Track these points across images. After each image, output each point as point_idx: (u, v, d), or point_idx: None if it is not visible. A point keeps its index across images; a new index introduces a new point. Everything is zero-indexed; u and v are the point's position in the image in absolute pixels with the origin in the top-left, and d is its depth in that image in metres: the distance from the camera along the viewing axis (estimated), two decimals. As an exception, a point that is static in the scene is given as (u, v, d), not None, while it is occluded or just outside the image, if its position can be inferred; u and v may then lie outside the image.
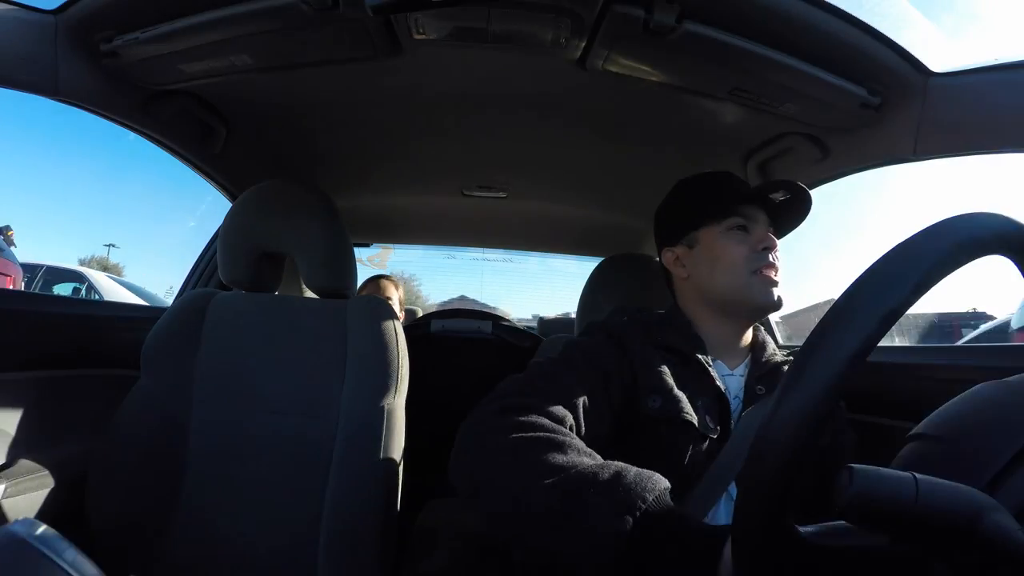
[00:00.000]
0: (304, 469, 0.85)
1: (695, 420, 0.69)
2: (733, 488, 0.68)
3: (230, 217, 1.01)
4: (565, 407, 0.62)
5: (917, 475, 0.30)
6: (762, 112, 0.89)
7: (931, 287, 0.32)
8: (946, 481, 0.30)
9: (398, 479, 0.83)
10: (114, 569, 0.83)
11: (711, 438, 0.70)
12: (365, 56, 0.81)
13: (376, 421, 0.84)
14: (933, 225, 0.34)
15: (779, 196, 0.79)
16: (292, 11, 0.71)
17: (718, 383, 0.73)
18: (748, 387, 0.75)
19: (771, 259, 0.75)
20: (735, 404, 0.74)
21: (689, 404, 0.70)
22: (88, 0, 0.75)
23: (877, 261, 0.33)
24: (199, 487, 0.87)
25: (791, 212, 0.82)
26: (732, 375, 0.78)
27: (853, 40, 0.73)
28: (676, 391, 0.71)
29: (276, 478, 0.85)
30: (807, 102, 0.84)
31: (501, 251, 2.18)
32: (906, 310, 0.31)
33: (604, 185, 1.35)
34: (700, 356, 0.75)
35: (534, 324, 2.68)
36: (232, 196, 1.29)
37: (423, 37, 0.77)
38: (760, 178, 1.13)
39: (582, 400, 0.65)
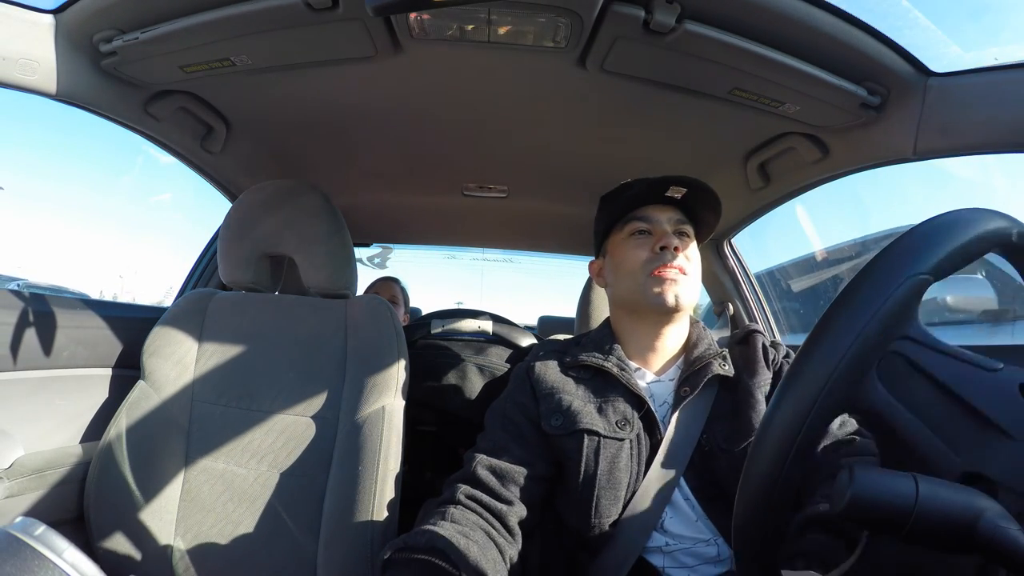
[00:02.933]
0: (304, 468, 0.85)
1: (600, 427, 0.70)
2: (683, 482, 0.69)
3: (230, 217, 1.01)
4: (497, 470, 0.70)
5: (917, 476, 0.30)
6: (762, 112, 0.89)
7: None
8: (947, 482, 0.30)
9: (398, 479, 0.83)
10: (114, 569, 0.83)
11: (629, 439, 0.70)
12: (365, 56, 0.81)
13: (376, 421, 0.84)
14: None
15: (676, 194, 0.76)
16: (292, 11, 0.71)
17: (632, 388, 0.72)
18: (677, 390, 0.74)
19: (669, 258, 0.73)
20: (664, 409, 0.74)
21: (595, 413, 0.71)
22: (88, 0, 0.75)
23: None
24: (198, 486, 0.87)
25: (706, 207, 0.78)
26: (660, 380, 0.77)
27: (853, 40, 0.73)
28: (577, 405, 0.72)
29: (276, 477, 0.85)
30: (807, 102, 0.84)
31: (501, 251, 2.18)
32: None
33: (604, 185, 1.35)
34: (611, 365, 0.74)
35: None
36: (232, 196, 1.29)
37: (423, 37, 0.77)
38: (760, 178, 1.13)
39: (512, 452, 0.72)
